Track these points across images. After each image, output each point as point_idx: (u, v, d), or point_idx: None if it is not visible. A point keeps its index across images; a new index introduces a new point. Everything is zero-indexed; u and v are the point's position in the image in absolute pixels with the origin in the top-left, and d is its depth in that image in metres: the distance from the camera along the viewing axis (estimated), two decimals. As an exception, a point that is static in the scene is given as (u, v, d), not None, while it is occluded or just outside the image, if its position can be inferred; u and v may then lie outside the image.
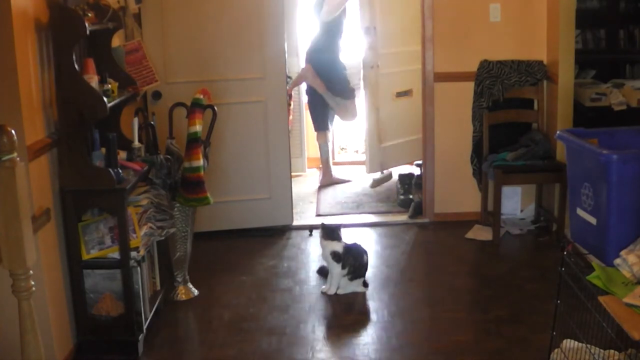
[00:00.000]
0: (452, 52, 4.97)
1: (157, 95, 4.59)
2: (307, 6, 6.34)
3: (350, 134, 7.25)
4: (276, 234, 5.00)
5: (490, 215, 4.80)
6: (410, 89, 5.95)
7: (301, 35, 6.48)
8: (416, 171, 5.48)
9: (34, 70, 2.98)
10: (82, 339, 3.35)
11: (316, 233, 4.87)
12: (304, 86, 6.27)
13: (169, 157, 3.81)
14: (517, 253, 4.66)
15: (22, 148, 2.61)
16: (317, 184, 6.25)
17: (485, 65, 4.87)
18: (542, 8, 4.81)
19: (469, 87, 4.94)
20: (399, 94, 5.98)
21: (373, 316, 3.74)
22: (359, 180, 6.33)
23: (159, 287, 3.87)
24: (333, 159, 6.82)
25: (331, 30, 5.91)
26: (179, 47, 4.69)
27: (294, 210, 5.23)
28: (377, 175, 6.12)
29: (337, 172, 6.43)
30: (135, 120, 3.74)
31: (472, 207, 5.07)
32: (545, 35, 4.84)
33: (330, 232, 3.98)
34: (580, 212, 2.86)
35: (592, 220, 2.75)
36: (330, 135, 6.46)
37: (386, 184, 6.10)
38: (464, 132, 5.01)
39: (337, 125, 6.76)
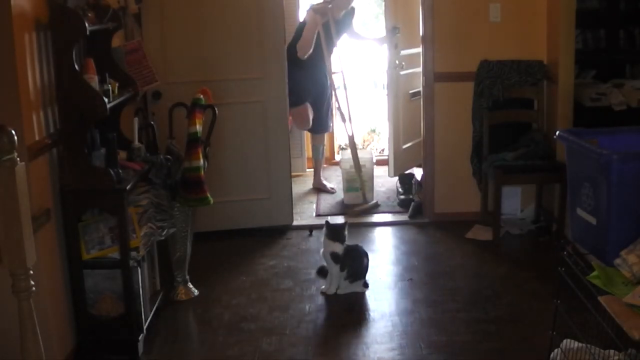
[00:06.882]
0: (452, 52, 4.97)
1: (157, 95, 4.58)
2: (307, 6, 6.31)
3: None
4: (276, 234, 5.00)
5: (490, 215, 4.79)
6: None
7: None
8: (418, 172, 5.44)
9: (34, 70, 2.98)
10: (82, 339, 3.35)
11: (316, 233, 4.88)
12: None
13: (169, 157, 3.81)
14: (517, 253, 4.66)
15: (22, 148, 2.60)
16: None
17: (485, 65, 4.87)
18: (542, 8, 4.82)
19: (469, 87, 4.93)
20: (413, 95, 5.73)
21: (373, 316, 3.74)
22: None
23: (159, 287, 3.87)
24: (332, 159, 6.81)
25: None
26: (179, 47, 4.69)
27: (294, 210, 5.23)
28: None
29: (325, 179, 6.15)
30: (135, 120, 3.75)
31: (472, 207, 5.06)
32: (545, 35, 4.84)
33: (335, 233, 3.95)
34: (580, 212, 2.86)
35: (592, 220, 2.75)
36: (324, 137, 6.23)
37: (387, 185, 6.09)
38: (464, 132, 5.01)
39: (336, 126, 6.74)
